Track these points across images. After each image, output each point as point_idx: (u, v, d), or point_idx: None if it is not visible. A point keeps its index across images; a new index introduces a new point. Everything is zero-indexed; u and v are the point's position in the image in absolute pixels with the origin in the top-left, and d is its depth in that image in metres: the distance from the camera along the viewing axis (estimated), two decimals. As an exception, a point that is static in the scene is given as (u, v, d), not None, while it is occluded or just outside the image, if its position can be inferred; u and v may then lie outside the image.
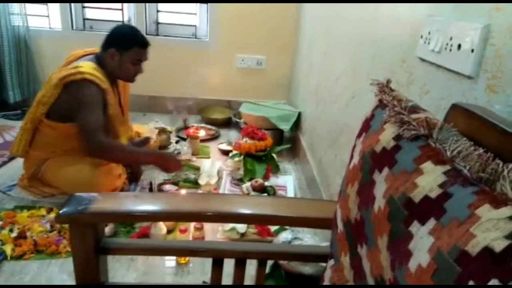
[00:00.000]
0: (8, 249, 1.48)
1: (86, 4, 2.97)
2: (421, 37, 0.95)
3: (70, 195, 0.83)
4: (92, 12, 3.02)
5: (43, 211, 1.71)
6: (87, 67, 1.71)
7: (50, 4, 2.92)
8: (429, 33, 0.91)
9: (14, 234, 1.54)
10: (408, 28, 1.06)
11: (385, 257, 0.49)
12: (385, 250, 0.49)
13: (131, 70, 1.82)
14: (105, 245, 0.84)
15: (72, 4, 2.91)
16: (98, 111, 1.69)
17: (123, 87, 2.00)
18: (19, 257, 1.46)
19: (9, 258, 1.45)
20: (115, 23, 2.97)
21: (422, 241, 0.42)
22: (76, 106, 1.65)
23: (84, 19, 3.00)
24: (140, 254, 0.86)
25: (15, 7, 2.76)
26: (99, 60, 1.80)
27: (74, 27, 2.96)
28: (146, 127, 2.41)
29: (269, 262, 1.19)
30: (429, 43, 0.90)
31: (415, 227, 0.44)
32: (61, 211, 0.78)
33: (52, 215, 1.68)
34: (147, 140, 2.12)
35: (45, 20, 2.96)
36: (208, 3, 2.93)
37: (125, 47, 1.77)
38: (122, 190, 1.89)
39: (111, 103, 1.78)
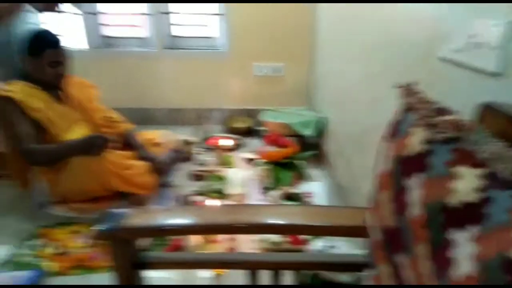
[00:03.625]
0: (48, 266, 1.53)
1: (104, 22, 3.03)
2: (442, 36, 0.94)
3: (104, 212, 0.86)
4: (111, 30, 3.08)
5: (80, 227, 1.77)
6: None
7: (68, 23, 3.00)
8: (449, 32, 0.90)
9: (54, 251, 1.60)
10: (427, 28, 1.05)
11: (425, 266, 0.49)
12: (425, 258, 0.49)
13: (51, 72, 1.83)
14: (141, 259, 0.87)
15: (89, 22, 2.98)
16: (20, 122, 1.75)
17: (79, 91, 2.03)
18: (59, 273, 1.51)
19: (50, 274, 1.50)
20: (135, 40, 3.06)
21: (464, 249, 0.42)
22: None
23: (102, 37, 3.06)
24: (176, 268, 0.88)
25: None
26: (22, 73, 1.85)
27: (93, 46, 3.03)
28: (158, 132, 2.40)
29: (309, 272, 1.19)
30: (450, 42, 0.90)
31: (454, 234, 0.44)
32: (97, 228, 0.80)
33: (89, 231, 1.73)
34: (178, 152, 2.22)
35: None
36: (223, 13, 2.97)
37: (37, 52, 1.79)
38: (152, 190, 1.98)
39: (37, 107, 1.79)
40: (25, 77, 1.84)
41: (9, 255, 1.60)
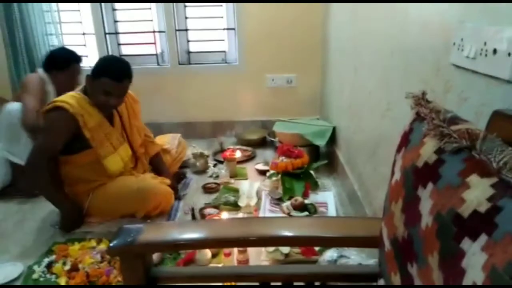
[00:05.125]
0: (62, 282, 1.54)
1: (121, 41, 3.12)
2: (454, 44, 0.93)
3: (118, 228, 0.87)
4: (127, 48, 3.16)
5: (93, 243, 1.78)
6: (65, 96, 1.82)
7: (88, 44, 3.10)
8: (462, 39, 0.89)
9: (67, 267, 1.61)
10: (439, 36, 1.05)
11: (437, 276, 0.48)
12: (437, 268, 0.48)
13: (101, 99, 1.81)
14: (154, 274, 0.87)
15: (109, 42, 3.07)
16: (51, 136, 1.78)
17: (129, 106, 2.06)
18: (57, 285, 1.52)
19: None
20: (149, 57, 3.12)
21: (475, 258, 0.41)
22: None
23: (120, 55, 3.14)
24: (188, 282, 0.88)
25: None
26: (86, 87, 1.87)
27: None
28: (166, 137, 2.48)
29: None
30: (463, 50, 0.89)
31: (466, 243, 0.43)
32: (111, 244, 0.81)
33: (102, 246, 1.74)
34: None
35: (84, 60, 3.13)
36: (234, 27, 3.01)
37: (96, 76, 1.80)
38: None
39: (90, 126, 1.81)
40: (86, 92, 1.86)
41: (23, 272, 1.62)
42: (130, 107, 2.06)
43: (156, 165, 2.21)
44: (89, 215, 1.94)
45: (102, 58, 1.90)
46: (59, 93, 2.31)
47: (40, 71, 2.33)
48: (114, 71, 1.80)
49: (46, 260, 1.67)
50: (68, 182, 1.91)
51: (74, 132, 1.79)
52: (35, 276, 1.58)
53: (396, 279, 0.62)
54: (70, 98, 1.80)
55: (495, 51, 0.76)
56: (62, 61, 2.30)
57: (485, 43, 0.80)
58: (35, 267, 1.63)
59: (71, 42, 3.07)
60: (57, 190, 1.86)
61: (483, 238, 0.41)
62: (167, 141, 2.43)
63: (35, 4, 2.81)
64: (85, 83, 1.86)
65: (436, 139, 0.57)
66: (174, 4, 2.97)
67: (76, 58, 2.35)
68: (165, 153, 2.31)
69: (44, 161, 1.77)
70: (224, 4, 3.00)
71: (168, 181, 2.07)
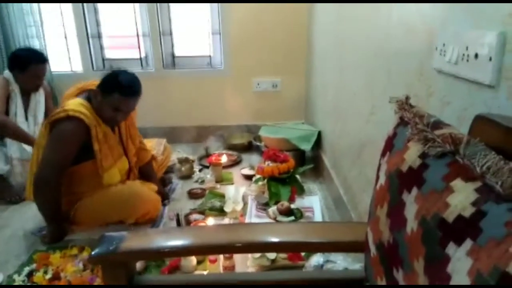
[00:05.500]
0: (43, 291, 1.50)
1: (105, 45, 3.08)
2: (436, 48, 0.94)
3: (100, 235, 0.85)
4: (111, 52, 3.13)
5: (75, 251, 1.74)
6: (73, 104, 1.75)
7: (70, 47, 3.05)
8: (444, 44, 0.90)
9: (48, 276, 1.57)
10: (421, 40, 1.06)
11: (423, 281, 0.48)
12: (423, 273, 0.48)
13: (110, 115, 1.78)
14: (138, 282, 0.85)
15: (92, 46, 3.03)
16: (65, 148, 1.71)
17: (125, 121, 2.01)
18: (54, 285, 1.48)
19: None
20: (133, 61, 3.09)
21: (460, 263, 0.41)
22: (49, 139, 1.71)
23: (104, 59, 3.11)
24: (173, 290, 0.86)
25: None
26: (91, 96, 1.81)
27: (95, 68, 3.07)
28: (151, 142, 2.45)
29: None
30: (445, 54, 0.90)
31: (451, 248, 0.43)
32: (93, 253, 0.79)
33: (85, 254, 1.70)
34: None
35: (66, 64, 3.09)
36: (219, 32, 3.00)
37: (106, 91, 1.75)
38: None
39: (99, 138, 1.77)
40: (89, 100, 1.81)
41: (3, 280, 1.57)
42: (129, 117, 2.00)
43: (146, 172, 2.17)
44: (74, 223, 1.88)
45: (114, 73, 1.80)
46: (23, 93, 2.32)
47: (6, 71, 2.32)
48: (127, 88, 1.76)
49: (27, 269, 1.62)
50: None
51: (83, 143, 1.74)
52: (15, 285, 1.53)
53: (382, 284, 0.62)
54: (81, 107, 1.74)
55: (476, 55, 0.77)
56: (22, 62, 2.26)
57: (466, 48, 0.81)
58: (15, 276, 1.58)
59: (53, 45, 3.02)
60: (59, 208, 1.79)
61: (468, 243, 0.41)
62: (153, 146, 2.40)
63: (15, 6, 2.74)
64: (92, 94, 1.80)
65: (420, 143, 0.58)
66: (158, 6, 2.95)
67: (37, 59, 2.30)
68: (152, 159, 2.28)
69: (56, 175, 1.70)
70: (208, 7, 2.99)
71: (155, 187, 2.05)
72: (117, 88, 1.74)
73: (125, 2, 2.96)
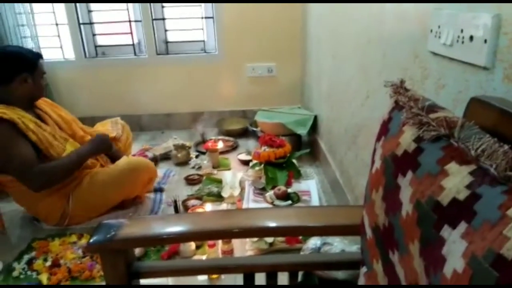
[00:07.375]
0: (43, 278, 1.51)
1: (97, 32, 3.04)
2: (431, 31, 0.93)
3: (98, 223, 0.85)
4: (103, 38, 3.09)
5: (74, 238, 1.75)
6: None
7: (62, 35, 3.00)
8: (439, 26, 0.90)
9: (48, 263, 1.58)
10: (416, 23, 1.05)
11: (418, 264, 0.48)
12: (418, 256, 0.48)
13: (42, 85, 1.82)
14: (137, 269, 0.86)
15: (83, 33, 2.99)
16: (20, 145, 1.63)
17: (49, 105, 1.95)
18: (55, 285, 1.49)
19: None
20: (126, 47, 3.05)
21: (455, 246, 0.41)
22: None
23: (96, 46, 3.07)
24: (172, 276, 0.87)
25: (29, 42, 2.86)
26: None
27: (87, 55, 3.04)
28: (107, 124, 2.29)
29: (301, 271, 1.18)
30: (440, 37, 0.89)
31: (446, 231, 0.43)
32: (91, 241, 0.80)
33: (83, 241, 1.72)
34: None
35: (58, 51, 3.05)
36: (213, 16, 2.96)
37: (33, 66, 1.75)
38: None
39: (31, 128, 1.67)
40: (0, 101, 1.69)
41: (3, 269, 1.59)
42: (52, 111, 1.92)
43: (112, 155, 2.07)
44: (72, 217, 1.82)
45: (13, 54, 1.73)
46: None
47: None
48: (35, 52, 1.84)
49: (26, 257, 1.64)
50: (44, 193, 1.74)
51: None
52: (15, 273, 1.55)
53: (378, 267, 0.63)
54: None
55: (471, 37, 0.77)
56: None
57: (461, 30, 0.80)
58: (15, 264, 1.60)
59: (44, 33, 2.97)
60: (70, 157, 1.75)
61: (462, 226, 0.41)
62: (109, 128, 2.23)
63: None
64: (15, 86, 1.71)
65: (415, 127, 0.58)
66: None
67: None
68: (115, 141, 2.14)
69: (35, 163, 1.64)
70: (202, -8, 2.95)
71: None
72: (38, 56, 1.81)
73: (119, 2, 2.92)
